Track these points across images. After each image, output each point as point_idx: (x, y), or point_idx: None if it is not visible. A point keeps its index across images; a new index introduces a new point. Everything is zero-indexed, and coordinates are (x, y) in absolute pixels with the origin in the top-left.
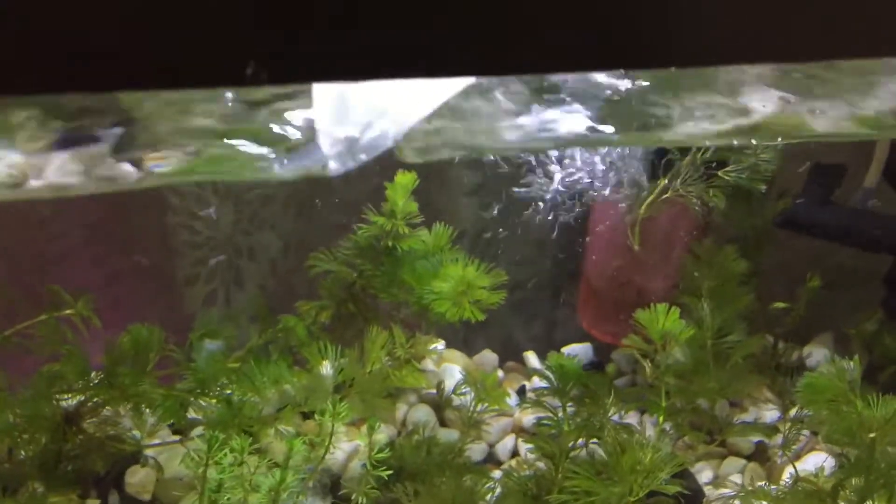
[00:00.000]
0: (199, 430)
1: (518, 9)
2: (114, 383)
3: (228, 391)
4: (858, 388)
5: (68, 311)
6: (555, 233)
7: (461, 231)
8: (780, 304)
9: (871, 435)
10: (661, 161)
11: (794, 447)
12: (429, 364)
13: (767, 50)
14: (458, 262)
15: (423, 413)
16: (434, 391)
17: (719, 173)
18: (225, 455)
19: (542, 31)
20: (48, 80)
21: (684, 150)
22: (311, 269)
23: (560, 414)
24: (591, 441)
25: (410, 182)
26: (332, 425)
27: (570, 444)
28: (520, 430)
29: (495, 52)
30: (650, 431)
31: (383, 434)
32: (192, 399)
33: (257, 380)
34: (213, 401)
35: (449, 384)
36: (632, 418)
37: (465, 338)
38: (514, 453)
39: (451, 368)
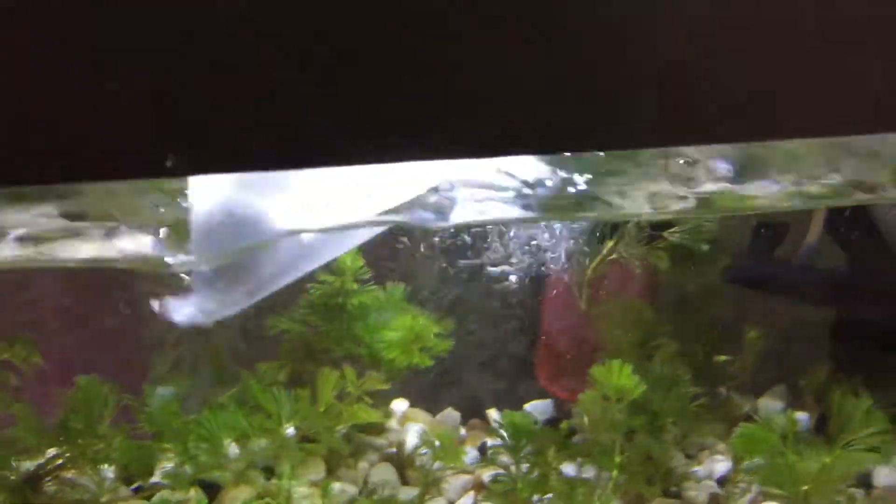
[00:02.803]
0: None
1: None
2: (69, 439)
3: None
4: (793, 439)
5: (5, 356)
6: (514, 297)
7: (423, 297)
8: (722, 358)
9: (804, 487)
10: (606, 224)
11: (746, 497)
12: (392, 423)
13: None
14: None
15: (385, 471)
16: (396, 450)
17: (664, 234)
18: None
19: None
20: None
21: None
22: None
23: (514, 470)
24: (546, 496)
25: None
26: (289, 487)
27: (524, 500)
28: (480, 487)
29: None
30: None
31: (345, 493)
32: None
33: (213, 429)
34: (171, 450)
35: (411, 442)
36: (589, 474)
37: (429, 397)
38: None
39: (413, 427)
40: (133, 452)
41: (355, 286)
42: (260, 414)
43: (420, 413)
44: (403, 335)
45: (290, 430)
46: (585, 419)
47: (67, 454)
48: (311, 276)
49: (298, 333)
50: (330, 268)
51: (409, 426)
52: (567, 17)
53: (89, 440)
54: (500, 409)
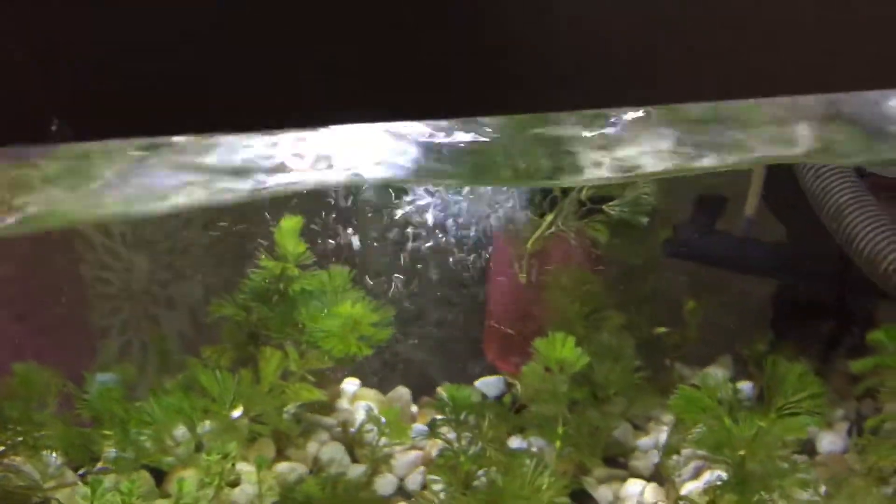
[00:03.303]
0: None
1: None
2: (4, 426)
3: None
4: (731, 404)
5: None
6: (460, 271)
7: (366, 271)
8: (662, 329)
9: (741, 452)
10: (545, 198)
11: (691, 465)
12: (343, 403)
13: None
14: (348, 300)
15: (334, 450)
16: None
17: (603, 208)
18: (114, 496)
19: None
20: None
21: (566, 188)
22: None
23: (456, 444)
24: (490, 469)
25: (297, 225)
26: (224, 465)
27: (466, 473)
28: (429, 463)
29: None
30: (549, 457)
31: (295, 472)
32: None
33: (157, 415)
34: (111, 436)
35: (359, 421)
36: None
37: (381, 376)
38: (424, 486)
39: (362, 406)
40: (72, 439)
41: (296, 272)
42: (205, 398)
43: (371, 392)
44: (342, 324)
45: (236, 413)
46: (519, 391)
47: (8, 442)
48: (252, 262)
49: (240, 319)
50: (272, 252)
51: (359, 405)
52: None
53: (27, 427)
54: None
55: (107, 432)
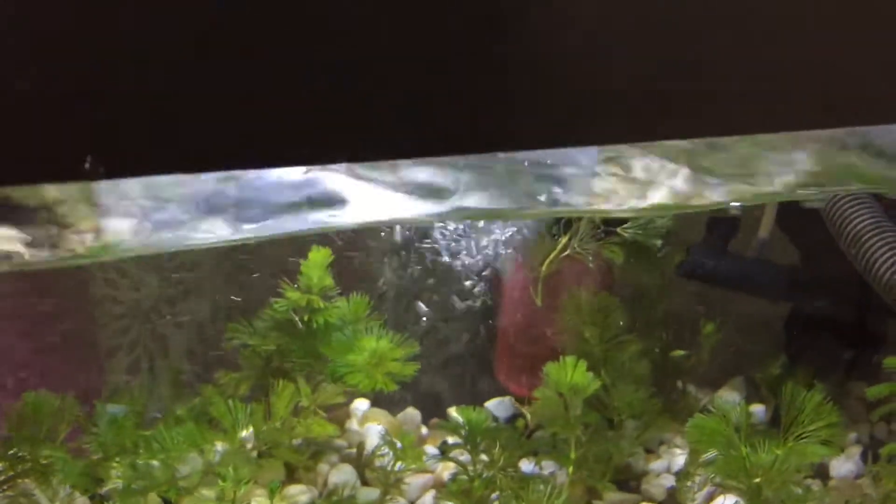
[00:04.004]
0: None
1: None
2: (16, 454)
3: (138, 458)
4: (745, 430)
5: None
6: (473, 294)
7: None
8: (679, 352)
9: (756, 480)
10: (559, 220)
11: (704, 490)
12: (353, 424)
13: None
14: (372, 334)
15: (345, 473)
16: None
17: (617, 230)
18: None
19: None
20: None
21: None
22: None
23: (470, 467)
24: (501, 493)
25: (325, 258)
26: (237, 490)
27: (480, 497)
28: (441, 486)
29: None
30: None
31: (305, 495)
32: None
33: (168, 444)
34: (120, 469)
35: (371, 443)
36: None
37: (390, 396)
38: None
39: (373, 428)
40: (78, 470)
41: (322, 304)
42: (217, 429)
43: (381, 413)
44: (366, 359)
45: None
46: (528, 416)
47: (18, 467)
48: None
49: (258, 348)
50: (296, 282)
51: (370, 427)
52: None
53: (36, 454)
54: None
55: (115, 463)
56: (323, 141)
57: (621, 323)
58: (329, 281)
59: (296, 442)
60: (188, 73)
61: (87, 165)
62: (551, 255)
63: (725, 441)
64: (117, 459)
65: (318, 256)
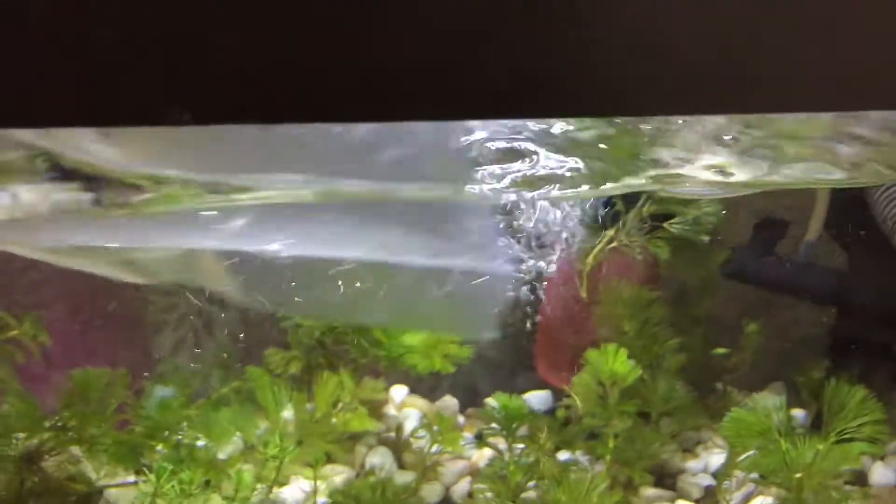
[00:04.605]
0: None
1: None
2: (65, 426)
3: (181, 437)
4: (787, 427)
5: (14, 333)
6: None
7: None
8: (720, 350)
9: (798, 475)
10: (607, 212)
11: (742, 490)
12: (390, 409)
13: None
14: None
15: (382, 455)
16: (394, 434)
17: (664, 225)
18: (173, 488)
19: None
20: None
21: (629, 202)
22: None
23: (507, 454)
24: (541, 480)
25: None
26: (281, 461)
27: (516, 483)
28: (476, 473)
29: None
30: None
31: (342, 475)
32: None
33: (214, 426)
34: (164, 447)
35: (409, 427)
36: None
37: (429, 385)
38: (470, 495)
39: (411, 413)
40: (122, 448)
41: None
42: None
43: (418, 400)
44: (423, 340)
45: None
46: (578, 403)
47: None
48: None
49: (312, 326)
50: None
51: (407, 412)
52: None
53: (84, 429)
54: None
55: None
56: None
57: (662, 318)
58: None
59: None
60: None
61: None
62: (598, 247)
63: (763, 436)
64: (162, 439)
65: None
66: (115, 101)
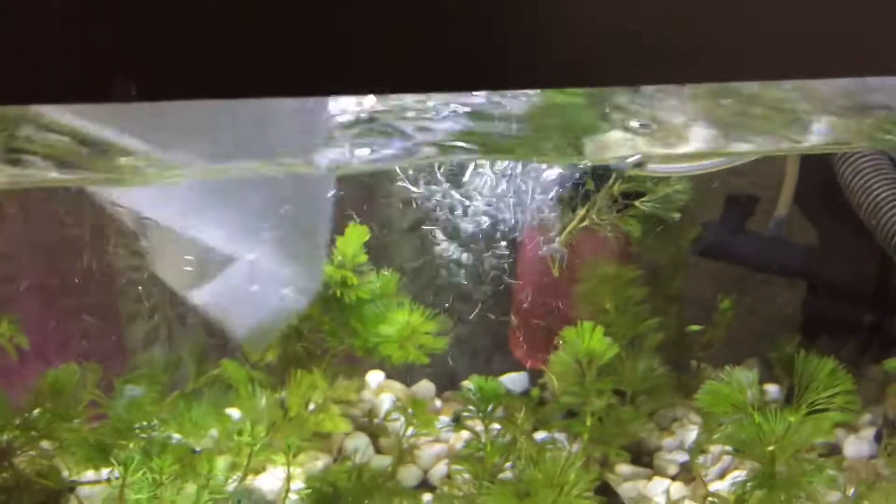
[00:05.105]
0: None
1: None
2: (32, 425)
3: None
4: (759, 401)
5: None
6: (487, 265)
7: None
8: (695, 328)
9: (770, 448)
10: (577, 191)
11: (718, 465)
12: (366, 394)
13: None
14: (404, 307)
15: (358, 440)
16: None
17: (635, 203)
18: (143, 478)
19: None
20: None
21: (600, 181)
22: None
23: (483, 436)
24: (513, 461)
25: (362, 235)
26: (252, 448)
27: (493, 464)
28: (454, 456)
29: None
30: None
31: (319, 461)
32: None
33: (186, 420)
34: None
35: (384, 411)
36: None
37: (405, 370)
38: (448, 477)
39: (386, 398)
40: (92, 445)
41: (356, 280)
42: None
43: (395, 384)
44: (399, 331)
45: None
46: (555, 382)
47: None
48: None
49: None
50: (330, 256)
51: (383, 397)
52: None
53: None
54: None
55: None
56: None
57: (643, 296)
58: (364, 258)
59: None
60: None
61: (117, 86)
62: (569, 226)
63: (737, 409)
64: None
65: (357, 232)
66: (59, 76)
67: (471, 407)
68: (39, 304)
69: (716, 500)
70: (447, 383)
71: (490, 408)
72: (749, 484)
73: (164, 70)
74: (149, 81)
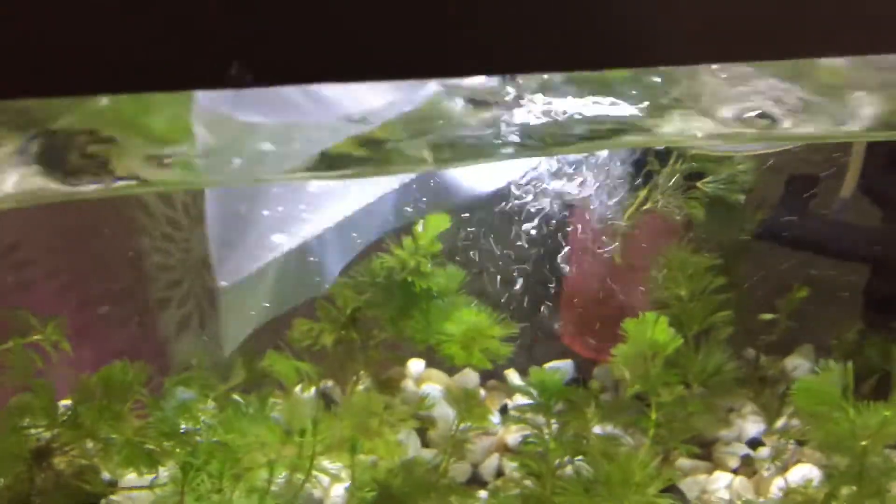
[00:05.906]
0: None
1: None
2: (79, 423)
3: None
4: (850, 395)
5: (36, 337)
6: (536, 248)
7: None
8: (768, 316)
9: (863, 443)
10: (639, 173)
11: (782, 458)
12: (409, 384)
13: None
14: (471, 306)
15: (406, 435)
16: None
17: (698, 184)
18: (202, 482)
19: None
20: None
21: (662, 162)
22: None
23: (545, 431)
24: (577, 458)
25: (443, 225)
26: (314, 449)
27: (557, 461)
28: (504, 449)
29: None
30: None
31: (365, 457)
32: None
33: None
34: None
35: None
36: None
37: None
38: (499, 473)
39: (431, 389)
40: (135, 451)
41: (429, 269)
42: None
43: (438, 373)
44: (465, 331)
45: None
46: (626, 374)
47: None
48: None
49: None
50: (401, 241)
51: (427, 387)
52: None
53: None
54: (518, 370)
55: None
56: None
57: (720, 284)
58: (438, 247)
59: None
60: None
61: (232, 72)
62: (631, 209)
63: (833, 403)
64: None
65: (437, 221)
66: (176, 62)
67: (520, 398)
68: (55, 290)
69: (798, 496)
70: (490, 372)
71: (552, 401)
72: (837, 480)
73: (280, 55)
74: (264, 67)
